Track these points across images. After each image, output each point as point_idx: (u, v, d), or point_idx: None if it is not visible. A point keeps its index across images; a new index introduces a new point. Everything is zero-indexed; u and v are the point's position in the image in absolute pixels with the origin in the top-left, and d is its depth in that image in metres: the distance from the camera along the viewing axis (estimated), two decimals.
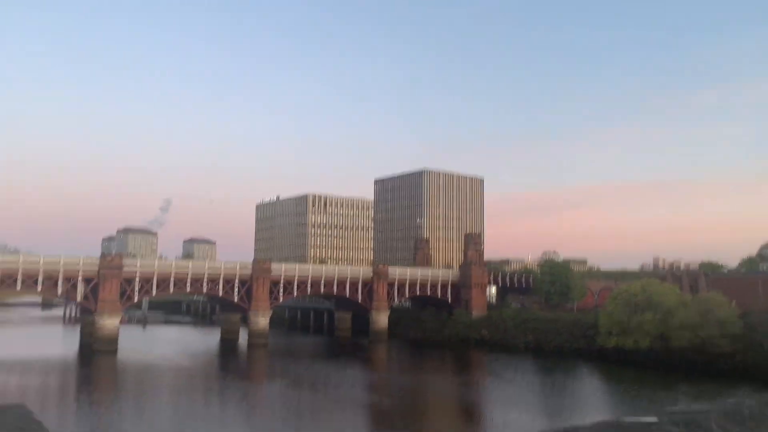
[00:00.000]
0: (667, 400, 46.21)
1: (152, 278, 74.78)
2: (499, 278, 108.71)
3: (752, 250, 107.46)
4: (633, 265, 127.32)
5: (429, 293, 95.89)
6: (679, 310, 67.67)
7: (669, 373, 59.34)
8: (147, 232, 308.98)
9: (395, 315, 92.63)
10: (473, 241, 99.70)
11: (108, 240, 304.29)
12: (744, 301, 74.54)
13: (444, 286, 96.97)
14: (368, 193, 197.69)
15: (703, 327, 65.19)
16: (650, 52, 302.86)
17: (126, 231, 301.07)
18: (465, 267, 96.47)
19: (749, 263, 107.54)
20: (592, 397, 50.60)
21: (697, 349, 64.08)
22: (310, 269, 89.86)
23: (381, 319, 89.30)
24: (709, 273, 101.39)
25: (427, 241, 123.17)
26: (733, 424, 1.45)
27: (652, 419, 1.73)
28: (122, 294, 72.06)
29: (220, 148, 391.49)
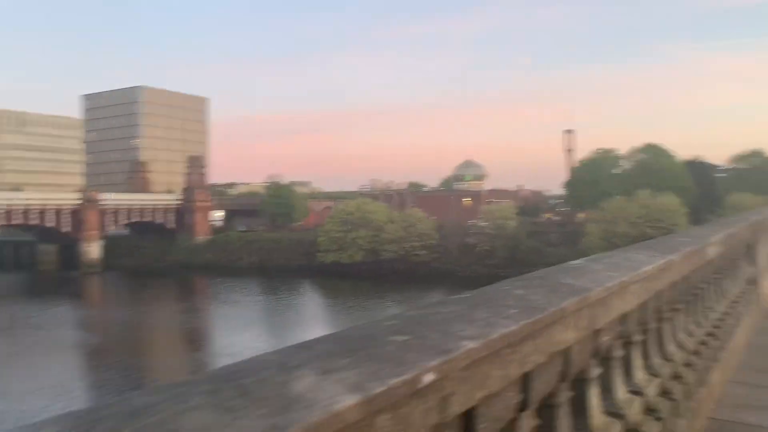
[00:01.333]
0: (378, 309, 51.05)
1: None
2: (224, 202, 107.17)
3: (450, 171, 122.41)
4: (354, 187, 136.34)
5: (150, 219, 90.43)
6: (388, 225, 74.80)
7: (380, 283, 65.66)
8: None
9: (111, 244, 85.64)
10: (197, 163, 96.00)
11: None
12: (441, 215, 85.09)
13: (166, 212, 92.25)
14: (76, 112, 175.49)
15: (407, 240, 73.43)
16: None
17: None
18: (188, 191, 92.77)
19: (447, 182, 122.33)
20: (314, 311, 53.72)
21: (401, 259, 72.15)
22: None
23: (93, 249, 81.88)
24: (415, 192, 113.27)
25: (146, 164, 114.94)
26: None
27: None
28: None
29: None
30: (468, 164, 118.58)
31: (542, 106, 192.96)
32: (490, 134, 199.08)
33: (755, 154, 78.97)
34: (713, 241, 4.63)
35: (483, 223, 77.64)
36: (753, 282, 6.50)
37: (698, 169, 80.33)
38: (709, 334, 4.69)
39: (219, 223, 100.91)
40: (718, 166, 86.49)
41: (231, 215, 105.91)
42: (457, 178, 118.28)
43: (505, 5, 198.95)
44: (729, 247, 5.39)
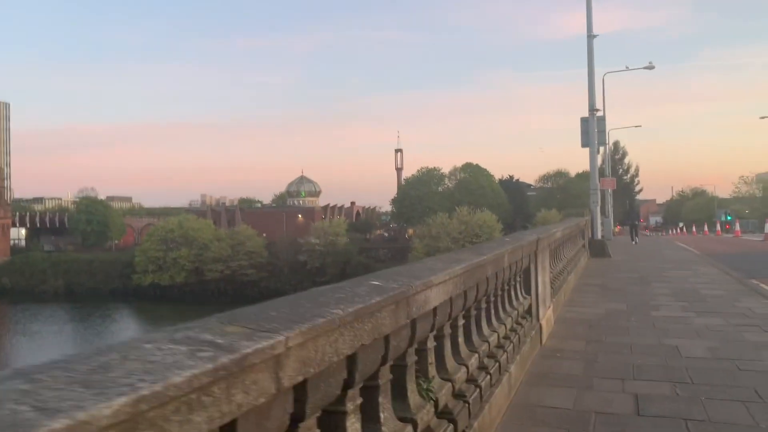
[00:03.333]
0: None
1: None
2: (27, 219, 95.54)
3: (284, 187, 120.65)
4: (184, 203, 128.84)
5: None
6: (213, 244, 71.14)
7: (203, 305, 61.82)
8: None
9: None
10: None
11: None
12: (274, 232, 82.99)
13: None
14: None
15: (235, 258, 70.33)
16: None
17: None
18: None
19: (281, 199, 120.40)
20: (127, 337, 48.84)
21: (228, 279, 68.81)
22: None
23: None
24: (245, 208, 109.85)
25: None
26: None
27: None
28: None
29: None
30: (302, 180, 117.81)
31: (377, 125, 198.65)
32: (325, 151, 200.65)
33: (559, 175, 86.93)
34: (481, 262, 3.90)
35: (315, 240, 76.94)
36: (530, 314, 5.97)
37: (512, 187, 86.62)
38: (482, 368, 3.99)
39: (21, 243, 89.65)
40: (530, 185, 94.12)
41: (35, 233, 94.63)
42: (291, 194, 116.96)
43: (340, 25, 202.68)
44: (500, 269, 4.80)
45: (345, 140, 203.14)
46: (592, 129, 17.43)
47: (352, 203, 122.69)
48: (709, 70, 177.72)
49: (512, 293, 5.42)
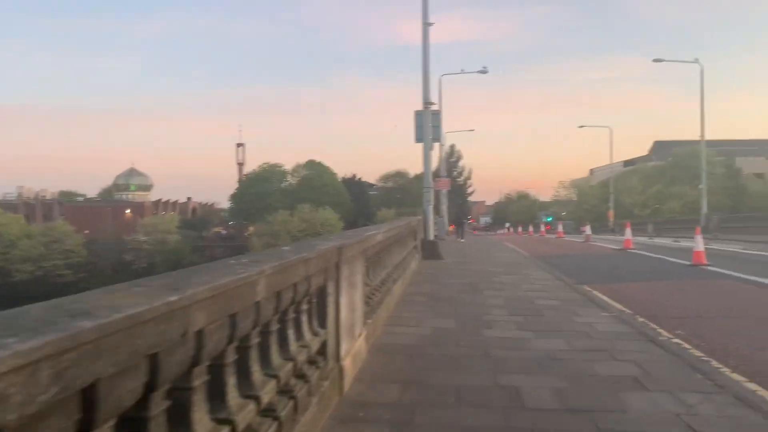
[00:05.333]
0: None
1: None
2: None
3: (111, 180, 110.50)
4: None
5: None
6: (23, 241, 62.88)
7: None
8: None
9: None
10: None
11: None
12: (98, 229, 75.50)
13: None
14: None
15: (49, 258, 62.64)
16: None
17: None
18: None
19: (108, 192, 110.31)
20: None
21: (40, 281, 60.82)
22: None
23: None
24: (66, 202, 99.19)
25: None
26: None
27: None
28: None
29: None
30: (132, 173, 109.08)
31: (217, 118, 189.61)
32: (162, 143, 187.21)
33: (399, 175, 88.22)
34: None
35: (142, 238, 70.98)
36: (324, 355, 4.18)
37: (354, 185, 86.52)
38: None
39: None
40: (372, 184, 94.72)
41: None
42: (119, 188, 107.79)
43: (180, 12, 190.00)
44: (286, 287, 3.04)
45: (184, 132, 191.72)
46: (426, 123, 16.35)
47: (189, 198, 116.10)
48: (535, 82, 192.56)
49: (289, 334, 3.56)
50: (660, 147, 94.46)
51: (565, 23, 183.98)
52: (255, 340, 2.96)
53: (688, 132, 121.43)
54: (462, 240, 31.25)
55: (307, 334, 3.90)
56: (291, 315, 3.60)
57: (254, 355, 2.97)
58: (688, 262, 15.35)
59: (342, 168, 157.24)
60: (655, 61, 41.59)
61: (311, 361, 3.96)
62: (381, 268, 8.13)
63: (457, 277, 12.71)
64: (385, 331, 6.89)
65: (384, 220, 55.17)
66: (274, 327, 3.27)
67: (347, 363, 4.70)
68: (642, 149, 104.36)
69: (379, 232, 7.62)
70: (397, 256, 10.39)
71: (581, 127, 64.43)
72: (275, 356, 3.27)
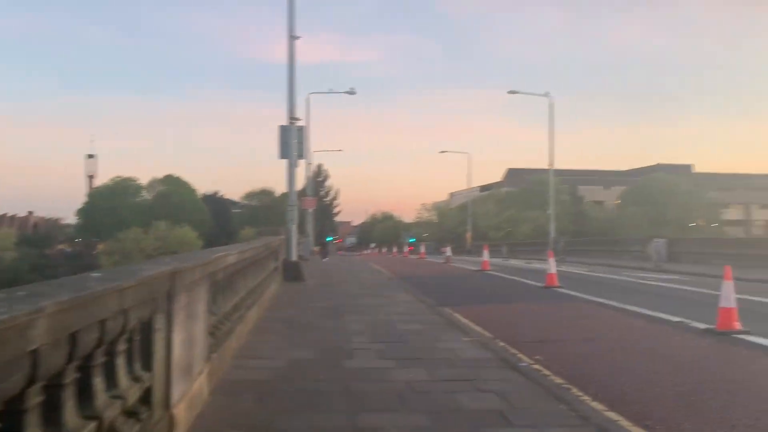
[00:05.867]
0: None
1: None
2: None
3: None
4: None
5: None
6: None
7: None
8: None
9: None
10: None
11: None
12: None
13: None
14: None
15: None
16: None
17: None
18: None
19: None
20: None
21: None
22: None
23: None
24: None
25: None
26: None
27: None
28: None
29: None
30: None
31: (66, 127, 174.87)
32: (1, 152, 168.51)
33: (264, 193, 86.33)
34: None
35: None
36: (148, 404, 3.45)
37: (216, 203, 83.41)
38: None
39: None
40: (236, 202, 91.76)
41: None
42: None
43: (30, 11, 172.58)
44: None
45: (29, 141, 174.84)
46: (291, 139, 15.76)
47: (30, 213, 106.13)
48: (400, 107, 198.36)
49: (94, 384, 2.81)
50: (513, 174, 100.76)
51: (428, 53, 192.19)
52: (34, 400, 2.22)
53: (538, 161, 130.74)
54: (326, 260, 30.82)
55: (124, 381, 3.16)
56: (99, 360, 2.85)
57: (33, 420, 2.23)
58: (541, 284, 15.97)
59: (204, 185, 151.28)
60: (510, 92, 44.21)
61: (130, 413, 3.22)
62: (233, 293, 7.38)
63: (319, 300, 12.17)
64: (235, 365, 6.18)
65: (247, 239, 53.43)
66: (69, 379, 2.52)
67: (180, 410, 3.96)
68: (497, 175, 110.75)
69: (232, 253, 6.90)
70: (254, 279, 9.65)
71: (443, 152, 67.08)
72: (70, 416, 2.52)
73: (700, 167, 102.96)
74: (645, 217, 73.47)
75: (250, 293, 8.85)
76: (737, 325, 8.16)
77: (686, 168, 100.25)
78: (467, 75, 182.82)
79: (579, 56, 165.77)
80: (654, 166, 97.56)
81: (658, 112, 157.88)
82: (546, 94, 42.72)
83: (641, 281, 18.51)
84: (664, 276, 20.66)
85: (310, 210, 38.05)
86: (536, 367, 6.43)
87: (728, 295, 8.32)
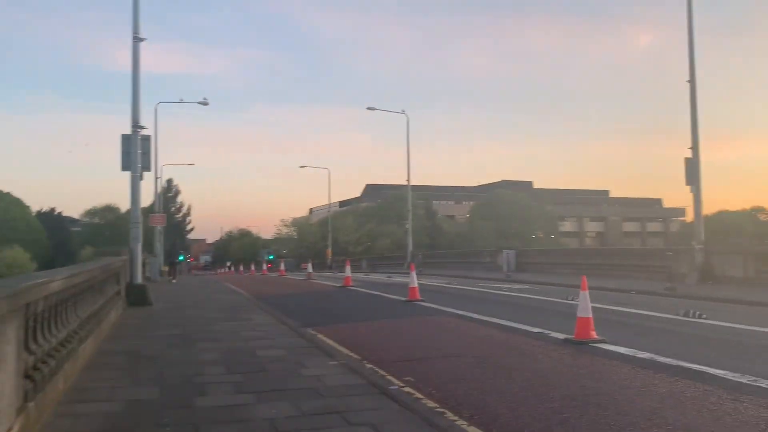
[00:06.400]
0: None
1: None
2: None
3: None
4: None
5: None
6: None
7: None
8: None
9: None
10: None
11: None
12: None
13: None
14: None
15: None
16: None
17: None
18: None
19: None
20: None
21: None
22: None
23: None
24: None
25: None
26: None
27: None
28: None
29: None
30: None
31: None
32: None
33: (108, 209, 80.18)
34: None
35: None
36: None
37: (53, 221, 76.22)
38: None
39: None
40: (76, 220, 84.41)
41: None
42: None
43: None
44: None
45: None
46: (135, 149, 14.34)
47: None
48: (259, 121, 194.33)
49: None
50: (371, 189, 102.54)
51: (286, 69, 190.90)
52: None
53: (396, 177, 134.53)
54: (175, 281, 28.90)
55: None
56: None
57: None
58: (404, 298, 15.89)
59: (39, 201, 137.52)
60: (369, 109, 44.81)
61: None
62: (60, 325, 6.28)
63: (168, 327, 11.04)
64: (60, 412, 5.16)
65: (88, 259, 48.95)
66: None
67: None
68: (356, 191, 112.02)
69: (57, 278, 5.85)
70: (90, 306, 8.45)
71: (302, 167, 66.46)
72: None
73: (538, 183, 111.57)
74: (493, 230, 77.82)
75: (84, 323, 7.68)
76: (594, 335, 8.42)
77: (527, 184, 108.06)
78: (327, 92, 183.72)
79: (434, 77, 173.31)
80: (499, 182, 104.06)
81: (504, 132, 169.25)
82: (403, 112, 43.80)
83: (497, 291, 19.16)
84: (516, 285, 21.63)
85: (159, 228, 35.66)
86: (407, 390, 6.07)
87: (585, 305, 8.57)
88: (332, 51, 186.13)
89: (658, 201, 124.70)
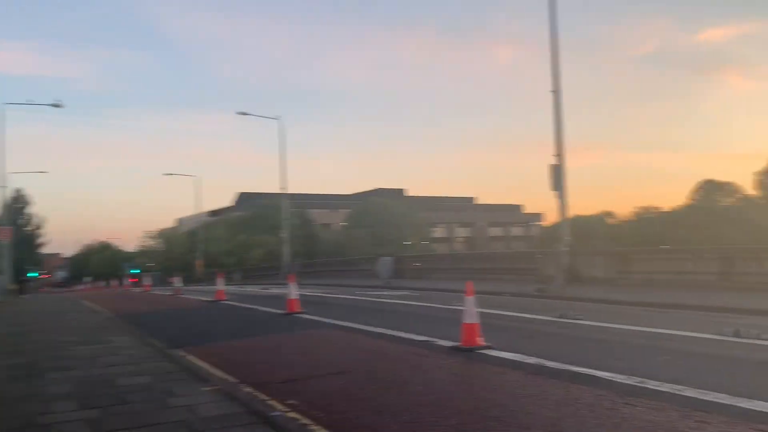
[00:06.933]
0: None
1: None
2: None
3: None
4: None
5: None
6: None
7: None
8: None
9: None
10: None
11: None
12: None
13: None
14: None
15: None
16: None
17: None
18: None
19: None
20: None
21: None
22: None
23: None
24: None
25: None
26: None
27: None
28: None
29: None
30: None
31: None
32: None
33: None
34: None
35: None
36: None
37: None
38: None
39: None
40: None
41: None
42: None
43: None
44: None
45: None
46: None
47: None
48: (118, 127, 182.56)
49: None
50: (244, 198, 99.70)
51: (149, 72, 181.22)
52: None
53: (270, 185, 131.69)
54: (25, 298, 26.02)
55: None
56: None
57: None
58: (283, 311, 15.15)
59: None
60: (239, 113, 43.42)
61: None
62: None
63: (8, 355, 9.58)
64: None
65: None
66: None
67: None
68: (229, 200, 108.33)
69: None
70: None
71: (168, 174, 63.14)
72: None
73: (411, 191, 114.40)
74: (368, 237, 78.42)
75: None
76: (480, 341, 8.28)
77: (400, 192, 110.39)
78: (196, 97, 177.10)
79: (310, 85, 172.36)
80: (374, 190, 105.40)
81: (379, 141, 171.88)
82: (277, 118, 42.88)
83: (377, 299, 18.93)
84: (396, 292, 21.58)
85: (5, 242, 32.06)
86: (292, 415, 5.47)
87: (471, 311, 8.43)
88: (202, 55, 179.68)
89: (518, 207, 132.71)
